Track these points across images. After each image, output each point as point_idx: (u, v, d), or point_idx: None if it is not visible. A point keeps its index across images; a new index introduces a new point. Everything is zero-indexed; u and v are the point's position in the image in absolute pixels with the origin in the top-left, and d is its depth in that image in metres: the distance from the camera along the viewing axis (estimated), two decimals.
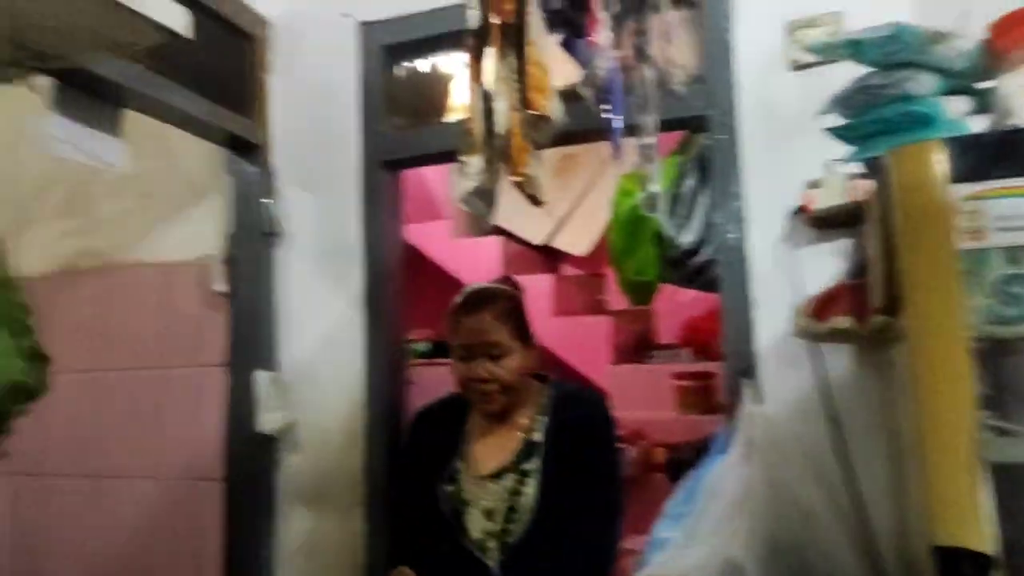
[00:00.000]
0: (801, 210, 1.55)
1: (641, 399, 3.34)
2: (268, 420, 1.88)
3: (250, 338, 1.94)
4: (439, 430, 1.60)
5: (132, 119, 1.71)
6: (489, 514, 1.46)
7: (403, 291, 1.98)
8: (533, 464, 1.47)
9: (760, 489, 1.32)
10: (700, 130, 1.76)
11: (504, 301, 1.53)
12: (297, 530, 1.90)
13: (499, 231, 4.42)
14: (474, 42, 0.65)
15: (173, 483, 2.00)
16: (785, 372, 1.54)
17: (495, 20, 0.63)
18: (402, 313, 1.97)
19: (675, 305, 3.35)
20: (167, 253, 2.12)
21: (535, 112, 0.63)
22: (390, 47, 2.01)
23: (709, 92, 1.69)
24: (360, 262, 1.93)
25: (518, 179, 0.63)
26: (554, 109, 0.68)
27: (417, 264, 4.91)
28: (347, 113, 2.01)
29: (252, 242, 1.99)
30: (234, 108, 1.96)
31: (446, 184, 4.17)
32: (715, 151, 1.69)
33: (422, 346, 4.47)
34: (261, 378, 1.89)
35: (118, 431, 2.10)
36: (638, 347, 3.77)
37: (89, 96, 1.61)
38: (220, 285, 1.98)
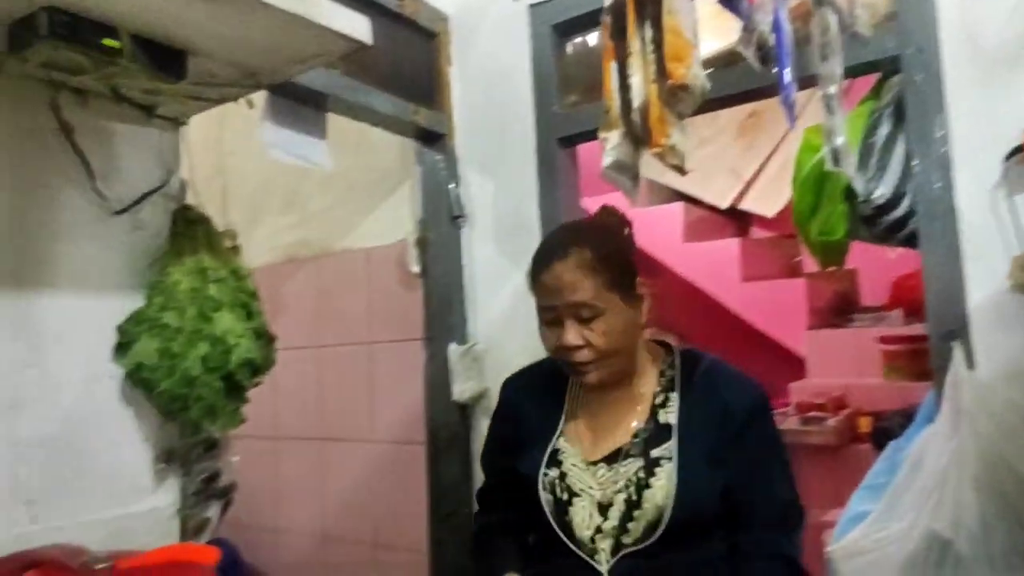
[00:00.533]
0: (1019, 151, 1.38)
1: (843, 365, 3.14)
2: (462, 389, 2.02)
3: (443, 313, 2.09)
4: (533, 402, 1.30)
5: (333, 121, 1.90)
6: (603, 508, 1.16)
7: None
8: (666, 450, 1.16)
9: (971, 460, 1.21)
10: (894, 72, 1.61)
11: (591, 246, 1.15)
12: None
13: (683, 196, 4.32)
14: (609, 18, 0.66)
15: (383, 446, 2.23)
16: (1001, 333, 1.38)
17: None
18: None
19: (881, 264, 3.10)
20: (369, 239, 2.33)
21: (673, 83, 0.63)
22: (558, 26, 2.04)
23: (904, 29, 1.54)
24: (538, 237, 2.00)
25: (657, 151, 0.63)
26: (695, 77, 0.67)
27: None
28: (521, 95, 2.07)
29: (441, 225, 2.13)
30: (421, 102, 2.11)
31: None
32: (913, 93, 1.54)
33: None
34: (453, 351, 2.03)
35: (337, 400, 2.37)
36: (839, 310, 3.52)
37: (297, 104, 1.82)
38: (415, 266, 2.15)
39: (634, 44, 0.62)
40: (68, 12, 1.00)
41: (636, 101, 0.61)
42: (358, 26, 1.16)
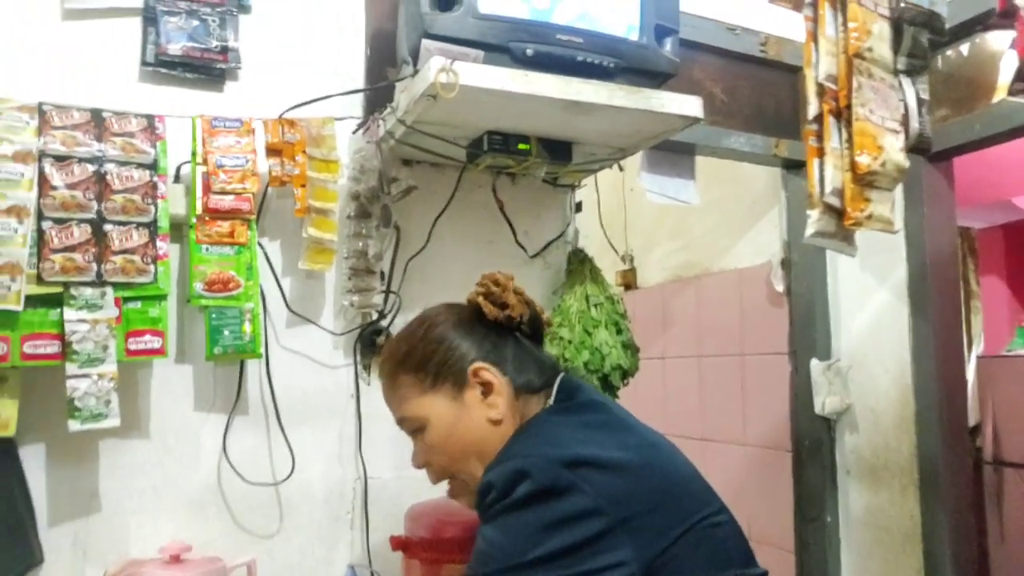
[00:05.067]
0: None
1: None
2: (825, 403, 2.14)
3: (806, 329, 2.24)
4: None
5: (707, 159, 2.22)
6: None
7: (954, 280, 1.98)
8: None
9: None
10: None
11: (390, 349, 1.09)
12: (856, 501, 2.10)
13: None
14: (815, 126, 0.84)
15: (753, 450, 2.45)
16: None
17: (826, 107, 0.82)
18: (953, 302, 1.97)
19: None
20: (741, 260, 2.59)
21: (860, 172, 0.79)
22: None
23: None
24: (904, 255, 2.02)
25: (852, 222, 0.79)
26: (884, 163, 0.81)
27: None
28: None
29: (806, 246, 2.28)
30: (784, 134, 2.30)
31: None
32: None
33: None
34: (815, 366, 2.16)
35: (713, 404, 2.66)
36: None
37: (669, 153, 2.19)
38: (780, 284, 2.34)
39: (828, 145, 0.81)
40: (499, 132, 1.53)
41: (829, 187, 0.80)
42: (692, 106, 1.47)
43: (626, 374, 1.68)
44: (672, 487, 0.89)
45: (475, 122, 1.48)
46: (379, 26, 1.67)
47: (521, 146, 1.55)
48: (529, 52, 1.37)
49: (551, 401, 1.00)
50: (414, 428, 1.03)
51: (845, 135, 0.83)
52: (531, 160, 1.57)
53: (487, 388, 0.99)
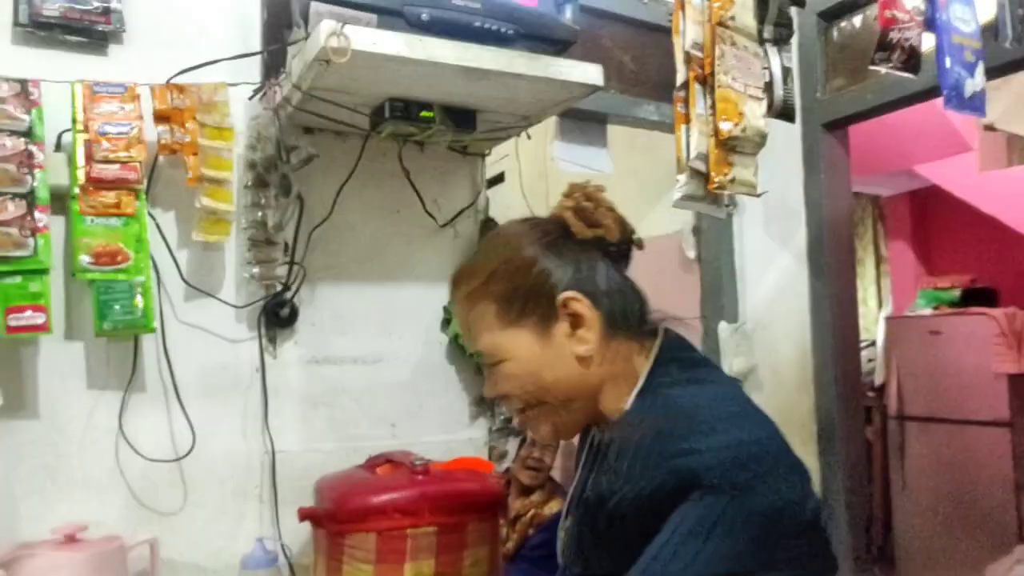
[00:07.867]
0: None
1: None
2: (732, 364, 2.22)
3: (715, 294, 2.31)
4: (583, 439, 1.03)
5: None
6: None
7: (849, 243, 2.07)
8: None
9: None
10: None
11: (471, 273, 0.92)
12: None
13: None
14: (682, 93, 0.87)
15: None
16: None
17: (692, 74, 0.85)
18: (847, 264, 2.06)
19: None
20: (656, 228, 2.64)
21: (721, 138, 0.82)
22: (824, 12, 2.09)
23: None
24: (803, 221, 2.10)
25: (715, 185, 0.81)
26: (744, 130, 0.85)
27: (942, 205, 4.48)
28: None
29: None
30: None
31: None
32: None
33: (951, 294, 4.11)
34: (723, 329, 2.24)
35: None
36: None
37: (581, 122, 2.20)
38: (691, 251, 2.40)
39: (694, 111, 0.83)
40: (401, 99, 1.50)
41: (694, 152, 0.82)
42: (592, 73, 1.47)
43: None
44: None
45: (374, 89, 1.45)
46: None
47: (424, 114, 1.53)
48: (424, 16, 1.35)
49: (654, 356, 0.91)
50: (492, 361, 0.91)
51: (709, 101, 0.86)
52: (435, 128, 1.55)
53: (576, 321, 0.88)
